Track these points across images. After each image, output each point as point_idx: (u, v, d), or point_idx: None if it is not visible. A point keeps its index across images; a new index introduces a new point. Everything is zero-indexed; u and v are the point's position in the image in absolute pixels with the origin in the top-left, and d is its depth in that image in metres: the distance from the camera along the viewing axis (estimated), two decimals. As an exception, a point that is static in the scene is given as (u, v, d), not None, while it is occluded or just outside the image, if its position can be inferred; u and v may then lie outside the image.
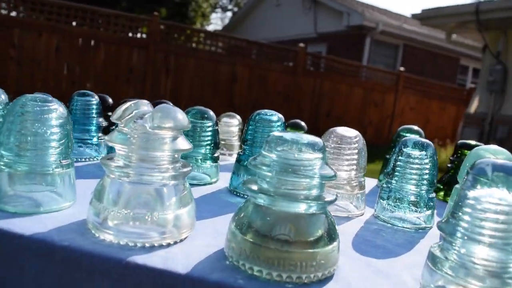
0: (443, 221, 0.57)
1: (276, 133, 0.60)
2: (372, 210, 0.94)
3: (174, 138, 0.63)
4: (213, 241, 0.64)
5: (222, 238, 0.66)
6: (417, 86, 9.78)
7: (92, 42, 6.19)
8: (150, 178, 0.61)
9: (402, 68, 9.77)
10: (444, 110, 10.22)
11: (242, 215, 0.59)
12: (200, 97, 7.07)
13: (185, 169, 0.63)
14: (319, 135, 1.52)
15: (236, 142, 1.44)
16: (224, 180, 1.05)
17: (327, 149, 0.94)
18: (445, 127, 10.25)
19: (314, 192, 0.57)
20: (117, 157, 0.64)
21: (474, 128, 7.79)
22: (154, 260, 0.55)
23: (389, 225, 0.87)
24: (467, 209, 0.54)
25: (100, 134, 1.12)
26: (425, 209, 0.88)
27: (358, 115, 8.95)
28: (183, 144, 0.63)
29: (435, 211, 0.90)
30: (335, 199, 0.58)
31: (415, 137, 0.92)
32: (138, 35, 6.84)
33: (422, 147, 0.88)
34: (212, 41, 7.44)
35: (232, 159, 1.38)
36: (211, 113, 1.00)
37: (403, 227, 0.86)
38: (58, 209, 0.68)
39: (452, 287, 0.54)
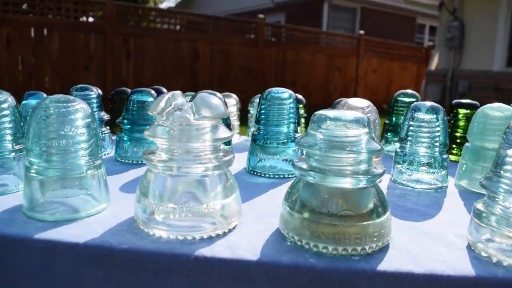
0: (483, 179, 0.60)
1: (321, 112, 0.61)
2: (388, 175, 0.96)
3: (214, 127, 0.62)
4: (263, 224, 0.65)
5: (270, 220, 0.66)
6: (377, 48, 9.93)
7: (45, 31, 5.89)
8: (194, 170, 0.61)
9: (361, 32, 9.87)
10: (406, 69, 10.47)
11: (294, 195, 0.60)
12: (163, 78, 6.92)
13: (227, 158, 0.63)
14: None
15: (236, 122, 1.43)
16: (237, 161, 1.05)
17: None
18: (407, 86, 10.50)
19: (363, 166, 0.58)
20: (159, 151, 0.62)
21: (436, 84, 8.04)
22: (220, 250, 0.55)
23: (409, 188, 0.90)
24: (508, 167, 0.57)
25: (104, 129, 1.08)
26: (440, 169, 0.91)
27: (323, 81, 9.03)
28: (224, 132, 0.62)
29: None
30: (384, 172, 0.59)
31: (425, 102, 0.95)
32: (92, 19, 6.55)
33: (432, 110, 0.91)
34: (170, 19, 7.24)
35: (234, 140, 1.38)
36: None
37: (423, 189, 0.89)
38: (96, 212, 0.67)
39: (498, 238, 0.57)
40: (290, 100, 0.95)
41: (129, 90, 1.31)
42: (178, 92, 0.63)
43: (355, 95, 9.41)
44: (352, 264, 0.53)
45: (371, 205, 0.58)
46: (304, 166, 0.60)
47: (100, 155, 0.69)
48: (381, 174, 0.59)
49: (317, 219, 0.56)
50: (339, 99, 1.34)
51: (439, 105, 0.93)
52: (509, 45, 7.42)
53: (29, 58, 5.85)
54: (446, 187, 0.91)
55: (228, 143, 1.01)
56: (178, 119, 0.60)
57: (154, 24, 7.24)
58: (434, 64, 8.36)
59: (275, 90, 0.96)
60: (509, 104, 0.94)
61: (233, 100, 1.40)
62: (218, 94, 0.99)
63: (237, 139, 1.43)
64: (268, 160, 0.94)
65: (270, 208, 0.72)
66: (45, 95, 1.12)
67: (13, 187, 0.76)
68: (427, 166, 0.92)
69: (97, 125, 0.68)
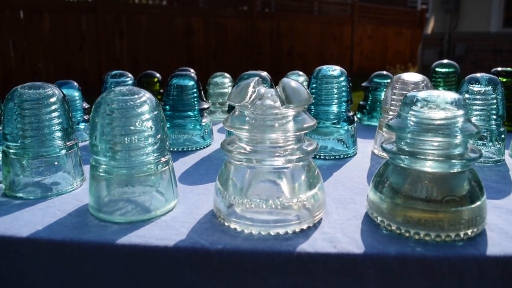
0: None
1: (413, 93, 0.57)
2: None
3: (298, 115, 0.58)
4: (348, 212, 0.62)
5: (352, 207, 0.63)
6: (371, 14, 9.78)
7: (35, 13, 5.71)
8: (276, 162, 0.57)
9: (355, -2, 9.70)
10: (400, 35, 10.34)
11: (384, 179, 0.57)
12: (158, 55, 6.78)
13: (311, 147, 0.59)
14: (282, 75, 1.47)
15: None
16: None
17: (393, 96, 0.92)
18: (403, 51, 10.42)
19: (457, 150, 0.55)
20: (238, 141, 0.59)
21: (433, 48, 7.96)
22: (321, 245, 0.52)
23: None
24: None
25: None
26: (497, 142, 0.89)
27: (318, 50, 8.92)
28: (308, 121, 0.58)
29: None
30: (480, 156, 0.56)
31: (482, 74, 0.91)
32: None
33: (490, 82, 0.87)
34: (161, -6, 7.05)
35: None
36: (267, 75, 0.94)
37: (481, 163, 0.87)
38: (168, 209, 0.63)
39: None
40: (342, 78, 0.90)
41: (156, 73, 1.26)
42: (257, 79, 0.58)
43: (351, 63, 9.32)
44: (459, 250, 0.51)
45: (469, 189, 0.55)
46: (394, 148, 0.57)
47: (167, 151, 0.65)
48: (477, 158, 0.55)
49: (414, 205, 0.53)
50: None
51: (496, 77, 0.89)
52: (505, 5, 7.33)
53: (21, 41, 5.69)
54: (504, 160, 0.89)
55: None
56: (263, 108, 0.56)
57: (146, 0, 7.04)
58: (430, 27, 8.25)
59: (326, 68, 0.92)
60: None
61: (227, 80, 1.32)
62: (264, 73, 0.95)
63: None
64: (318, 141, 0.91)
65: (345, 192, 0.70)
66: (75, 84, 1.08)
67: (67, 186, 0.72)
68: (484, 140, 0.89)
69: (164, 117, 0.64)
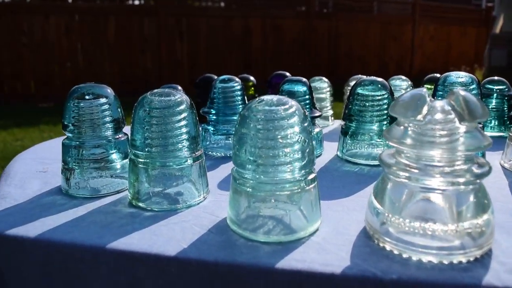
0: None
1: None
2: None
3: (470, 132, 0.50)
4: (526, 242, 0.54)
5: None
6: (433, 12, 9.37)
7: (101, 17, 5.93)
8: (441, 183, 0.50)
9: (416, -4, 9.34)
10: (465, 34, 9.83)
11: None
12: (216, 57, 6.84)
13: (482, 170, 0.51)
14: (340, 79, 1.35)
15: (330, 111, 1.28)
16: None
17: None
18: (467, 52, 9.91)
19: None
20: (398, 156, 0.52)
21: (502, 49, 7.51)
22: (508, 278, 0.44)
23: None
24: None
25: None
26: None
27: (378, 52, 8.66)
28: (482, 139, 0.50)
29: None
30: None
31: None
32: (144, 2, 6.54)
33: None
34: (220, -4, 7.12)
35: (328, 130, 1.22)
36: (385, 82, 0.87)
37: None
38: (314, 230, 0.58)
39: None
40: (473, 86, 0.82)
41: (250, 77, 1.22)
42: (425, 90, 0.51)
43: (412, 65, 8.98)
44: None
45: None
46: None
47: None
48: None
49: None
50: (431, 75, 1.17)
51: None
52: None
53: (88, 45, 5.93)
54: None
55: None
56: (433, 123, 0.49)
57: (205, 2, 7.14)
58: (498, 26, 7.80)
59: (455, 74, 0.83)
60: None
61: (325, 84, 1.25)
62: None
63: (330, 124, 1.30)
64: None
65: (502, 215, 0.61)
66: (179, 87, 1.06)
67: (193, 198, 0.68)
68: None
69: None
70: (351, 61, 8.17)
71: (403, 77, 1.18)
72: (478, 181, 0.51)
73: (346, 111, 0.88)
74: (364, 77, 1.07)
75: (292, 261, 0.49)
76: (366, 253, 0.51)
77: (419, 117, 0.49)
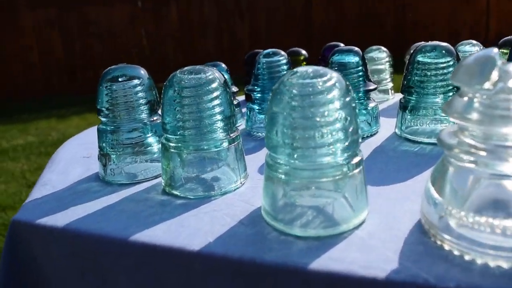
0: None
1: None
2: None
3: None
4: None
5: None
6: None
7: (162, 2, 6.03)
8: None
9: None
10: (553, -8, 8.81)
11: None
12: (277, 33, 6.71)
13: None
14: (405, 49, 1.18)
15: (390, 83, 1.14)
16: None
17: None
18: (556, 12, 8.88)
19: None
20: (462, 135, 0.43)
21: None
22: None
23: None
24: None
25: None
26: None
27: (448, 18, 8.01)
28: None
29: None
30: None
31: None
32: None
33: None
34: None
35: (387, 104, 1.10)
36: (450, 47, 0.75)
37: None
38: (359, 222, 0.50)
39: None
40: None
41: (302, 50, 1.14)
42: (497, 51, 0.41)
43: (488, 30, 8.23)
44: None
45: None
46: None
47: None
48: None
49: None
50: (507, 38, 0.99)
51: None
52: None
53: (152, 30, 6.06)
54: None
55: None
56: (507, 93, 0.39)
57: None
58: None
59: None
60: None
61: (384, 54, 1.11)
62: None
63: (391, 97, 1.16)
64: None
65: None
66: (223, 66, 1.00)
67: (230, 183, 0.63)
68: None
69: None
70: (418, 31, 7.65)
71: (474, 42, 1.03)
72: None
73: (405, 82, 0.78)
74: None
75: (329, 261, 0.42)
76: (418, 253, 0.42)
77: (487, 84, 0.39)
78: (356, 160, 0.49)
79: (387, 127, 0.87)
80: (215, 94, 0.61)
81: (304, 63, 1.16)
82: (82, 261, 0.55)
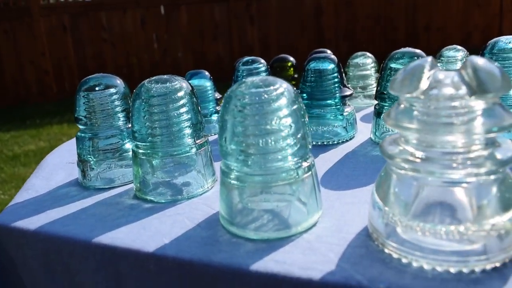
0: None
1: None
2: None
3: (490, 109, 0.41)
4: None
5: None
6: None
7: (173, 7, 6.10)
8: (456, 174, 0.41)
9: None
10: None
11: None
12: (288, 39, 6.73)
13: (508, 155, 0.41)
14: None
15: (375, 89, 1.14)
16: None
17: None
18: None
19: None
20: (403, 143, 0.44)
21: None
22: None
23: None
24: None
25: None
26: None
27: (460, 21, 7.92)
28: (506, 117, 0.41)
29: None
30: None
31: None
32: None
33: None
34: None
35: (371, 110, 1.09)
36: (421, 53, 0.76)
37: None
38: (311, 224, 0.52)
39: None
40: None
41: (289, 57, 1.16)
42: (431, 59, 0.43)
43: (501, 33, 8.11)
44: None
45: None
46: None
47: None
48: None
49: None
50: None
51: None
52: None
53: (162, 34, 6.14)
54: None
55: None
56: (440, 100, 0.40)
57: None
58: None
59: (504, 39, 0.70)
60: None
61: (369, 60, 1.12)
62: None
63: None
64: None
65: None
66: (206, 73, 1.02)
67: (198, 188, 0.65)
68: None
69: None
70: (430, 34, 7.59)
71: (458, 47, 1.04)
72: (501, 169, 0.41)
73: (378, 88, 0.79)
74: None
75: (271, 262, 0.44)
76: (359, 256, 0.44)
77: (417, 93, 0.41)
78: (305, 164, 0.51)
79: (366, 132, 0.88)
80: (182, 102, 0.63)
81: (292, 69, 1.18)
82: (51, 263, 0.57)
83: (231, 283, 0.44)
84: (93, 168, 0.73)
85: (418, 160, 0.42)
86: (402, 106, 0.44)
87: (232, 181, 0.51)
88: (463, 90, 0.40)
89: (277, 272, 0.42)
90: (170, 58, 6.22)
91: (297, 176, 0.50)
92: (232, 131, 0.50)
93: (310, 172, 0.51)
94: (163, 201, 0.63)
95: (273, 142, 0.49)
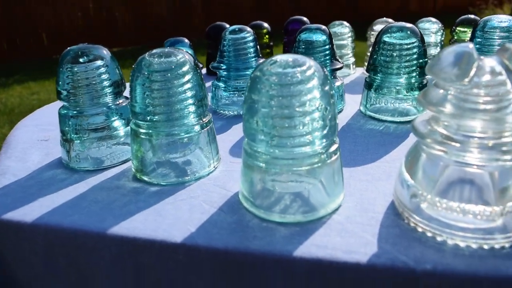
0: None
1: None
2: None
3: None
4: None
5: None
6: None
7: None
8: (483, 159, 0.42)
9: None
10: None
11: None
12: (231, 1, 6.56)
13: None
14: (359, 17, 1.23)
15: (352, 58, 1.16)
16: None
17: None
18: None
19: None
20: (435, 124, 0.45)
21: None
22: None
23: None
24: None
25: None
26: None
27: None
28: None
29: None
30: None
31: None
32: None
33: None
34: None
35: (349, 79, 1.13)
36: (415, 29, 0.76)
37: None
38: (336, 207, 0.52)
39: None
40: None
41: (264, 24, 1.12)
42: (472, 46, 0.42)
43: (435, 2, 8.43)
44: None
45: None
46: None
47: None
48: None
49: None
50: (465, 17, 1.02)
51: None
52: None
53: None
54: None
55: (421, 89, 0.80)
56: (479, 87, 0.40)
57: None
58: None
59: (495, 18, 0.73)
60: None
61: (346, 30, 1.12)
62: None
63: (352, 72, 1.18)
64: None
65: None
66: (187, 41, 0.97)
67: (203, 168, 0.62)
68: None
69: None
70: (369, 2, 7.73)
71: (433, 19, 1.06)
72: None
73: (371, 61, 0.79)
74: (391, 20, 0.97)
75: (313, 247, 0.43)
76: (395, 236, 0.45)
77: (465, 80, 0.41)
78: (333, 148, 0.50)
79: (352, 103, 0.89)
80: (187, 78, 0.59)
81: (267, 36, 1.15)
82: (55, 258, 0.53)
83: (273, 271, 0.43)
84: (80, 148, 0.68)
85: (448, 142, 0.43)
86: (441, 90, 0.43)
87: (259, 163, 0.49)
88: (503, 77, 0.41)
89: (322, 257, 0.42)
90: (106, 16, 5.83)
91: (325, 160, 0.49)
92: (261, 112, 0.47)
93: (337, 154, 0.51)
94: (166, 183, 0.60)
95: (302, 125, 0.47)
